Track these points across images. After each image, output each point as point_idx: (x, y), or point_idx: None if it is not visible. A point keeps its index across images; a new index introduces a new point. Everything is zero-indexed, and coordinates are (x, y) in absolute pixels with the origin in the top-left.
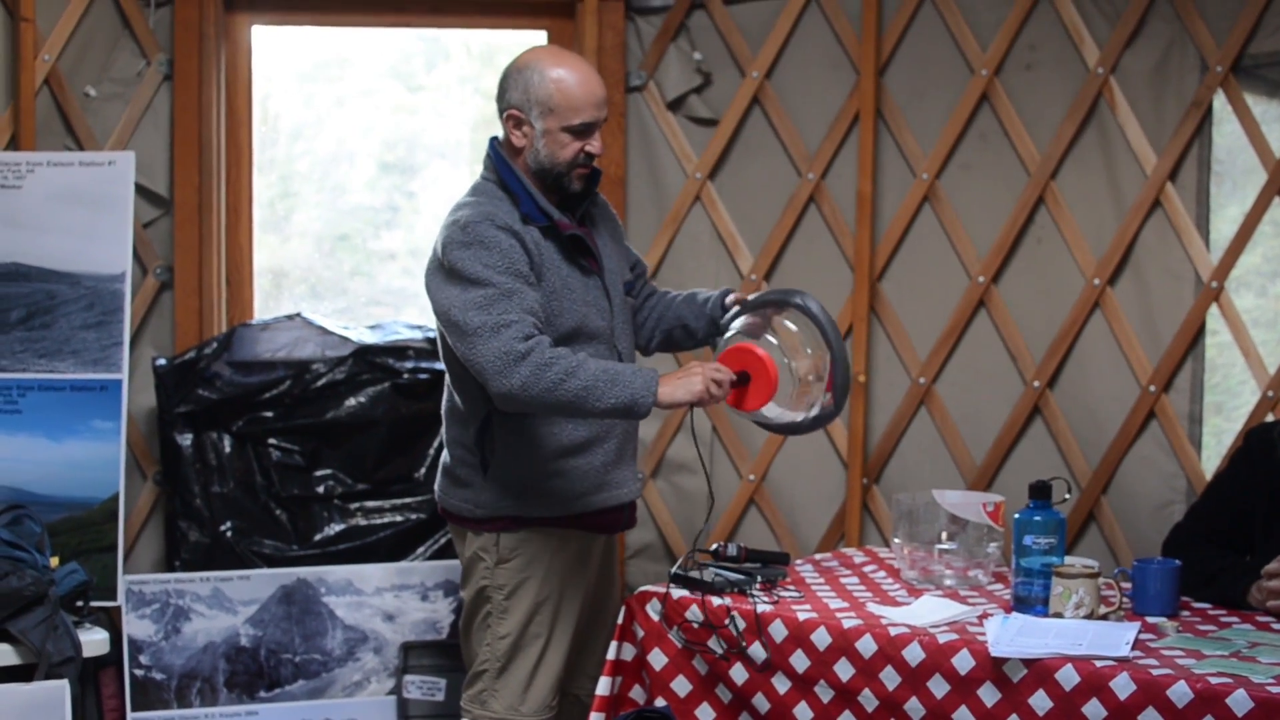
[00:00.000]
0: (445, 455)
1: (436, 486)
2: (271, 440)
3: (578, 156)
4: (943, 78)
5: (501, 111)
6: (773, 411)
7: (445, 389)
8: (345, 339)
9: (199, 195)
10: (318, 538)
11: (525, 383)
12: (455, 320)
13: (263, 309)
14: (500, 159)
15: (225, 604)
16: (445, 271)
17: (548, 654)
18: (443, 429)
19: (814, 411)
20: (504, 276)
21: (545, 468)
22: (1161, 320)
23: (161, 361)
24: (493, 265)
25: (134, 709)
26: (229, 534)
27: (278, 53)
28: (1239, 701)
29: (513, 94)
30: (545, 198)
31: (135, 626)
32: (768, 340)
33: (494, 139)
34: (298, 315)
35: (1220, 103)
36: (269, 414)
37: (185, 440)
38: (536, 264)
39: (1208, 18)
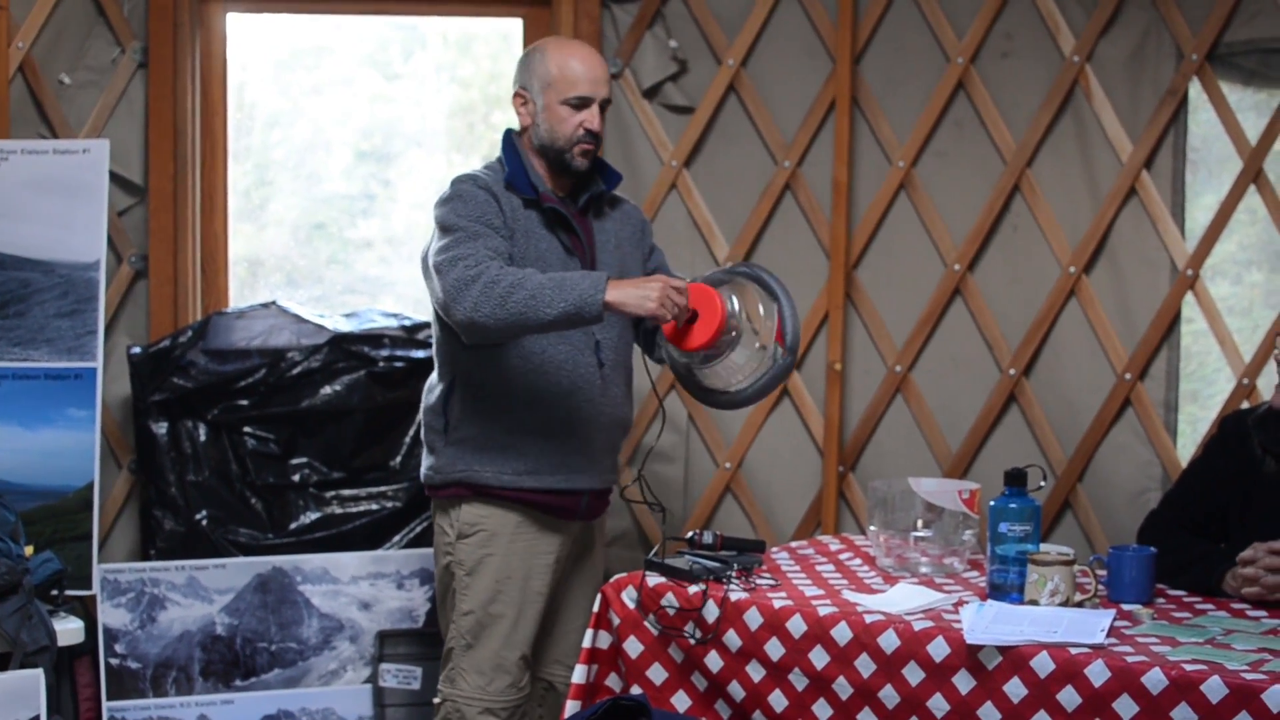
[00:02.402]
0: (422, 430)
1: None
2: (247, 428)
3: (577, 132)
4: (918, 66)
5: (513, 96)
6: (722, 367)
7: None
8: (321, 327)
9: (174, 183)
10: (293, 526)
11: (477, 303)
12: (430, 265)
13: (239, 297)
14: (508, 139)
15: (200, 593)
16: (435, 231)
17: (515, 633)
18: (421, 407)
19: (760, 373)
20: (472, 223)
21: (499, 439)
22: (1137, 308)
23: (136, 350)
24: (463, 214)
25: (109, 698)
26: (204, 522)
27: (254, 41)
28: (1213, 688)
29: (520, 75)
30: (549, 179)
31: (110, 615)
32: (724, 291)
33: (509, 129)
34: (273, 303)
35: (1196, 91)
36: (244, 402)
37: (160, 429)
38: (509, 225)
39: (1183, 6)
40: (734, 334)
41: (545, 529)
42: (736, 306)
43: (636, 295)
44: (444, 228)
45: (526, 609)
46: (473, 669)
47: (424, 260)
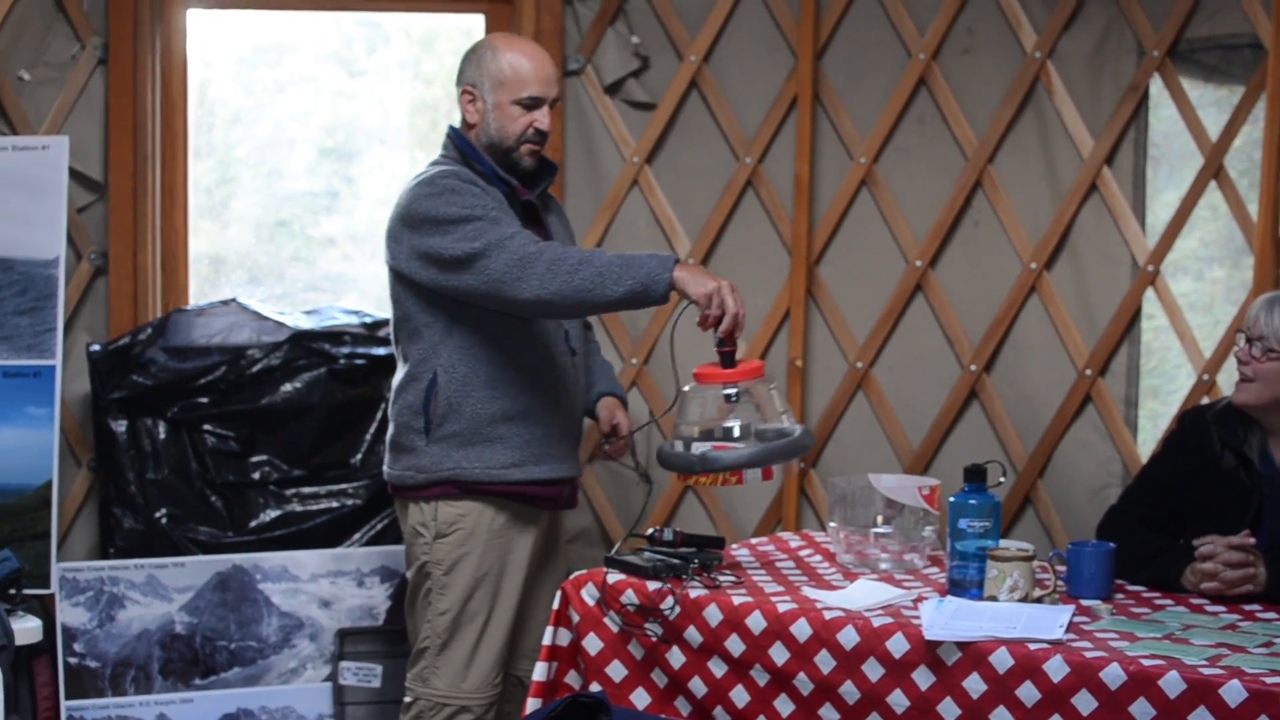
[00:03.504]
0: (390, 430)
1: (384, 464)
2: (207, 426)
3: (526, 131)
4: (880, 62)
5: (459, 92)
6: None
7: (397, 365)
8: (281, 324)
9: (134, 180)
10: (253, 524)
11: (544, 279)
12: (448, 257)
13: (202, 295)
14: (459, 135)
15: (160, 591)
16: (417, 225)
17: (489, 631)
18: (390, 407)
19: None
20: (487, 211)
21: (486, 431)
22: (1098, 304)
23: (96, 347)
24: (470, 205)
25: (68, 697)
26: (164, 521)
27: (217, 37)
28: (1171, 683)
29: (468, 72)
30: (503, 172)
31: (69, 614)
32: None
33: (451, 125)
34: (233, 301)
35: (1157, 87)
36: (204, 400)
37: (120, 426)
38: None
39: (1144, 2)
40: (766, 388)
41: (521, 525)
42: (770, 388)
43: (699, 279)
44: (453, 220)
45: (501, 606)
46: (446, 667)
47: (417, 258)
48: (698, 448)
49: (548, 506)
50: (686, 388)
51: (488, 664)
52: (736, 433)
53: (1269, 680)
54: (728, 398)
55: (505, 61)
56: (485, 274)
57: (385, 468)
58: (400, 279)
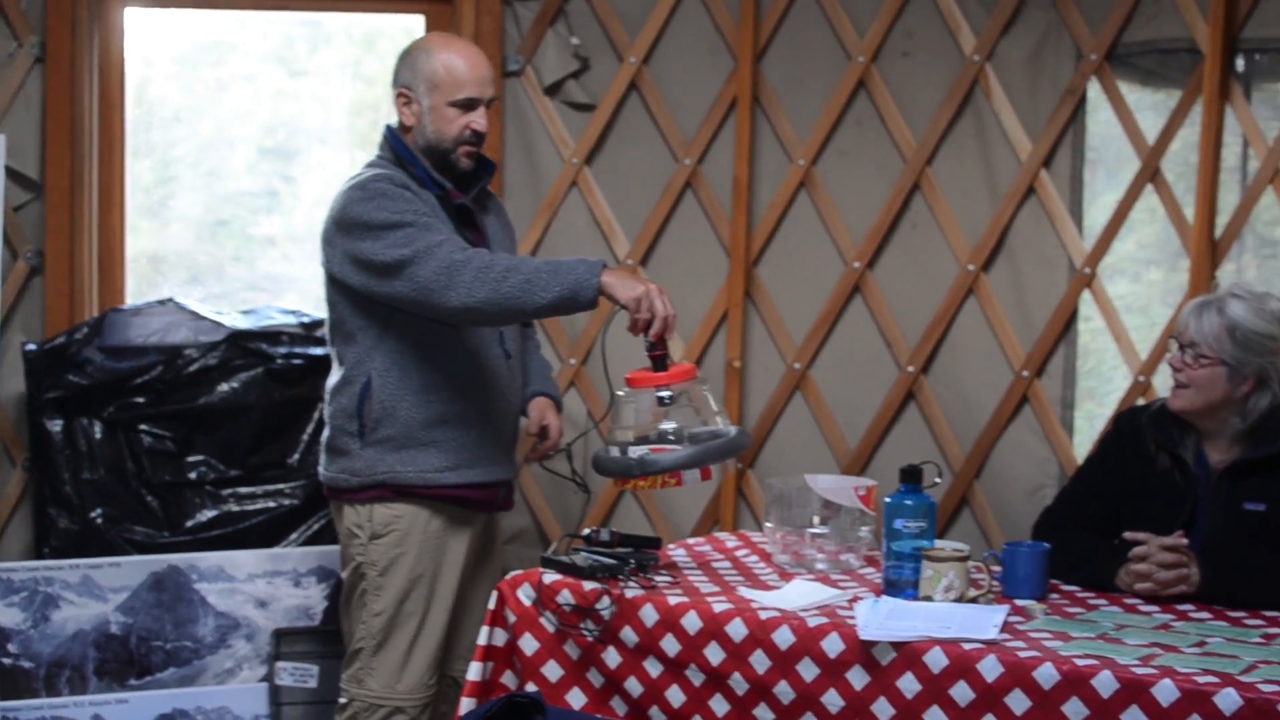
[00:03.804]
0: (325, 432)
1: (320, 466)
2: (143, 426)
3: (463, 133)
4: (820, 64)
5: (394, 94)
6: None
7: (332, 367)
8: (218, 324)
9: (71, 179)
10: (189, 524)
11: (471, 288)
12: (378, 263)
13: (142, 294)
14: (395, 136)
15: (95, 591)
16: (349, 229)
17: (424, 632)
18: (325, 408)
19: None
20: (418, 215)
21: (420, 435)
22: (1035, 306)
23: (31, 347)
24: (402, 210)
25: (2, 698)
26: (99, 521)
27: (158, 36)
28: (1104, 683)
29: (403, 74)
30: (438, 174)
31: (3, 614)
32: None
33: (389, 125)
34: (170, 300)
35: (1095, 90)
36: (140, 400)
37: (55, 426)
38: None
39: (1082, 6)
40: (700, 389)
41: (456, 526)
42: (705, 389)
43: (627, 283)
44: (384, 225)
45: (436, 607)
46: (381, 668)
47: (349, 262)
48: (634, 451)
49: (483, 509)
50: (620, 393)
51: (423, 665)
52: (673, 435)
53: (1201, 680)
54: (661, 400)
55: (440, 63)
56: (414, 281)
57: (320, 469)
58: (334, 282)
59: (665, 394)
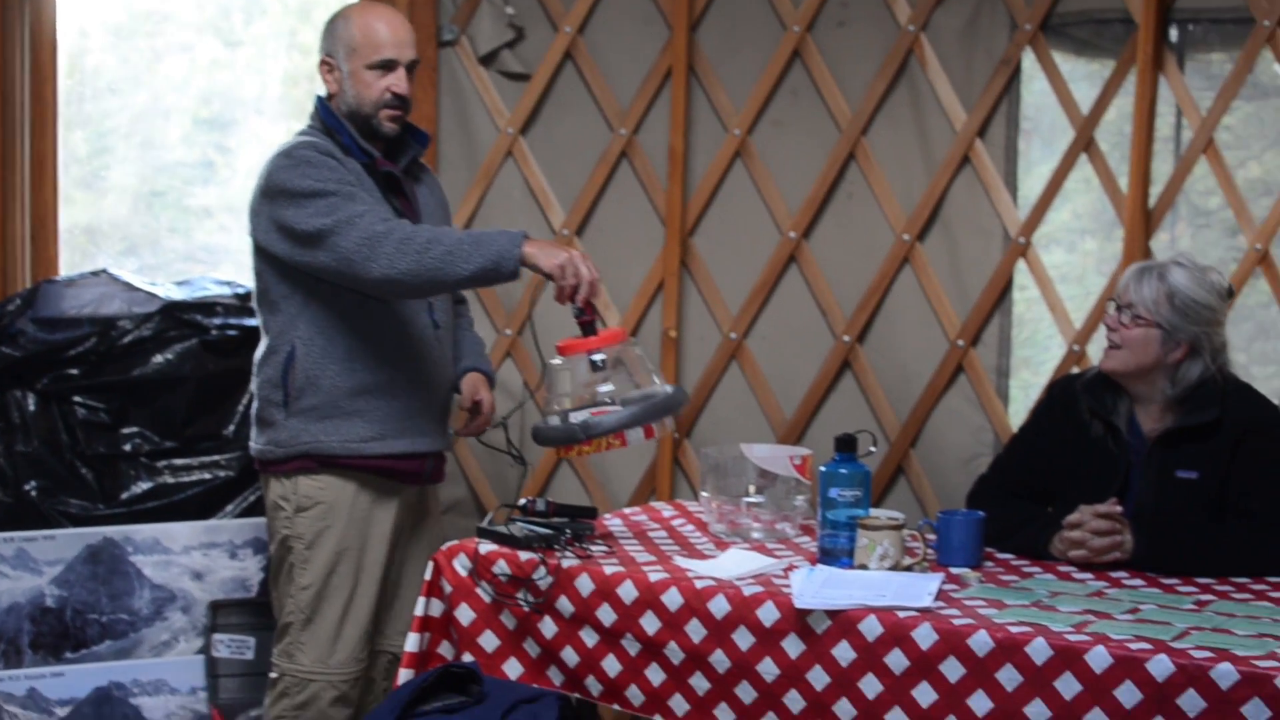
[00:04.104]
0: (254, 405)
1: (250, 439)
2: (77, 398)
3: (383, 95)
4: (755, 34)
5: (319, 63)
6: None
7: (261, 338)
8: (152, 295)
9: (2, 150)
10: (124, 496)
11: (393, 259)
12: (300, 232)
13: (77, 266)
14: (323, 105)
15: (30, 564)
16: (274, 197)
17: (353, 605)
18: (253, 380)
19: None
20: (341, 185)
21: (344, 404)
22: (970, 276)
23: None
24: (325, 179)
25: None
26: (33, 493)
27: (93, 6)
28: (1038, 649)
29: (325, 42)
30: (362, 141)
31: None
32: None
33: (318, 95)
34: (103, 271)
35: (1029, 61)
36: (74, 371)
37: None
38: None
39: None
40: (633, 351)
41: (383, 497)
42: (638, 350)
43: (548, 252)
44: (307, 193)
45: (364, 580)
46: (311, 643)
47: (274, 230)
48: (575, 417)
49: (409, 481)
50: (553, 362)
51: (353, 639)
52: (610, 398)
53: (1134, 646)
54: (594, 365)
55: (357, 27)
56: (335, 251)
57: (250, 442)
58: (260, 251)
59: (598, 357)
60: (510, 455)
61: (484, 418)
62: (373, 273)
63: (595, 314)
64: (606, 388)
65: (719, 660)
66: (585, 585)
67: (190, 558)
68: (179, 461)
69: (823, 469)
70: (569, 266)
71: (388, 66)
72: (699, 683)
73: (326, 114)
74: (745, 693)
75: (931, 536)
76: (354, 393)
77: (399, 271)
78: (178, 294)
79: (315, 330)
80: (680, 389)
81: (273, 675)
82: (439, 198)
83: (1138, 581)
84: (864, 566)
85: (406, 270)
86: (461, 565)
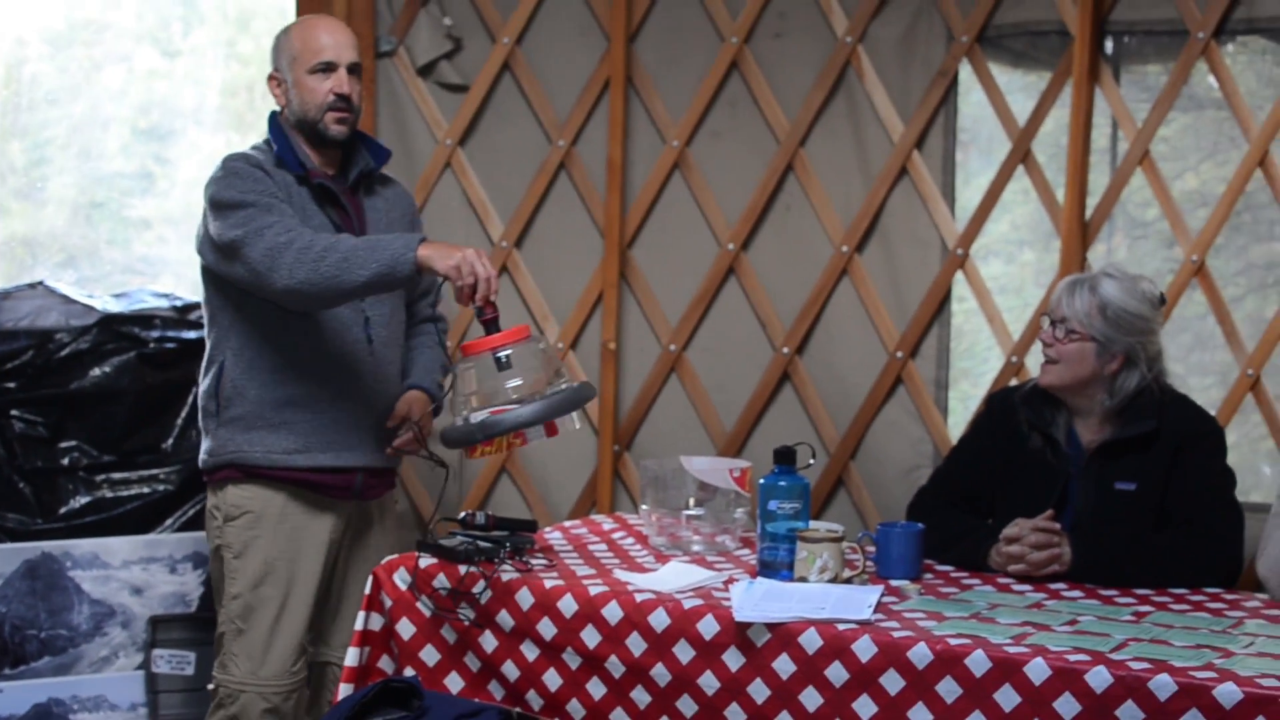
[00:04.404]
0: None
1: None
2: (14, 411)
3: (326, 98)
4: (693, 45)
5: (268, 80)
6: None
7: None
8: (90, 308)
9: None
10: (63, 510)
11: (292, 269)
12: (222, 243)
13: (15, 277)
14: (272, 118)
15: None
16: (208, 207)
17: (285, 617)
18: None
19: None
20: (260, 196)
21: (269, 415)
22: (908, 287)
23: None
24: (247, 190)
25: None
26: None
27: (31, 15)
28: (977, 661)
29: (272, 59)
30: (313, 154)
31: None
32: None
33: (272, 111)
34: (40, 284)
35: (966, 73)
36: (11, 385)
37: None
38: (286, 202)
39: None
40: (536, 347)
41: (315, 510)
42: (542, 346)
43: (444, 253)
44: (229, 204)
45: (296, 592)
46: (243, 654)
47: (206, 241)
48: (475, 416)
49: (336, 495)
50: (458, 365)
51: (285, 651)
52: (514, 395)
53: (1072, 658)
54: (499, 362)
55: (296, 37)
56: (246, 262)
57: None
58: (202, 262)
59: (502, 355)
60: (430, 459)
61: (408, 436)
62: (276, 283)
63: (496, 312)
64: (514, 383)
65: (660, 674)
66: (525, 599)
67: (130, 572)
68: (118, 475)
69: (762, 481)
70: (464, 266)
71: (328, 68)
72: (640, 696)
73: (272, 127)
74: (686, 706)
75: (871, 549)
76: (279, 404)
77: (298, 281)
78: (115, 306)
79: (244, 341)
80: (586, 384)
81: (210, 686)
82: (401, 210)
83: (1076, 593)
84: (804, 579)
85: (305, 279)
86: (401, 579)
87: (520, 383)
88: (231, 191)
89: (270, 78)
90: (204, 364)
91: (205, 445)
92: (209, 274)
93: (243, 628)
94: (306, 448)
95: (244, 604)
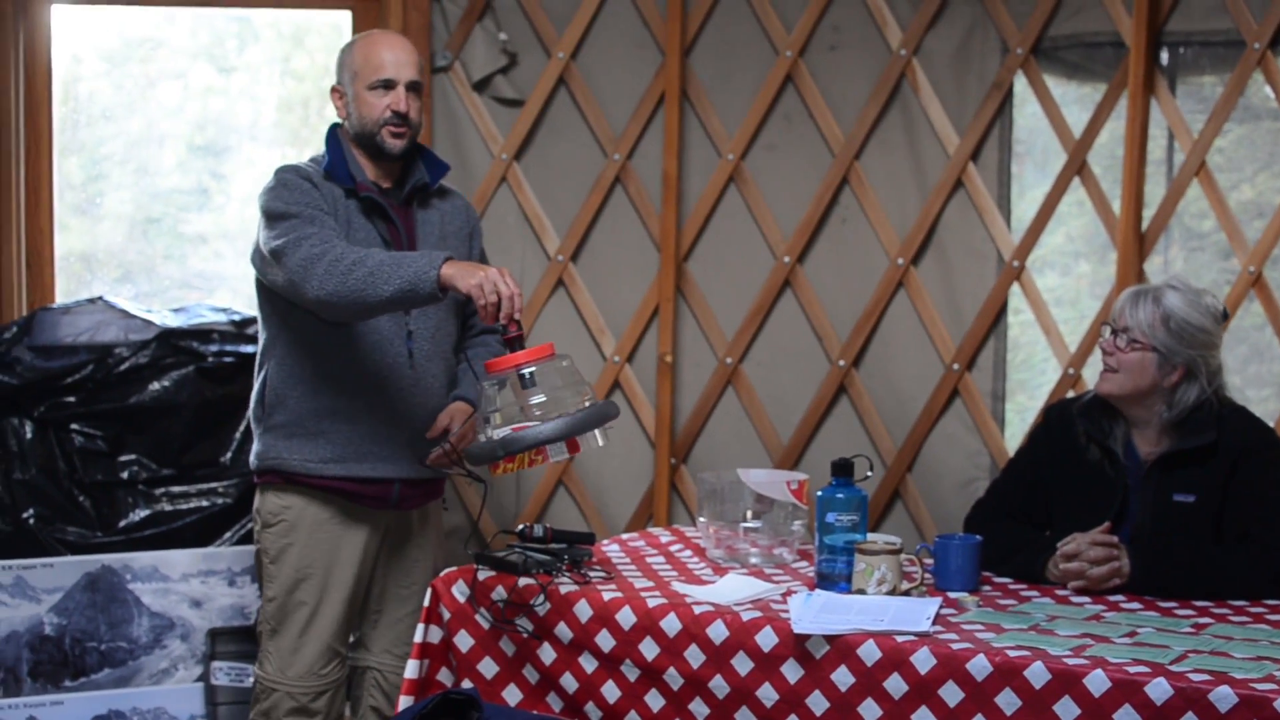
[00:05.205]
0: None
1: None
2: (74, 425)
3: (384, 114)
4: (748, 59)
5: (330, 93)
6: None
7: None
8: (149, 322)
9: None
10: (122, 524)
11: (322, 281)
12: (268, 251)
13: (73, 293)
14: (330, 131)
15: (28, 592)
16: (261, 220)
17: (316, 622)
18: None
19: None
20: (305, 208)
21: (309, 424)
22: (964, 299)
23: None
24: (293, 201)
25: None
26: (31, 521)
27: (87, 33)
28: (1037, 673)
29: (337, 73)
30: (370, 166)
31: None
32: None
33: (333, 123)
34: (99, 299)
35: (1021, 84)
36: (71, 399)
37: None
38: (333, 213)
39: (1008, 0)
40: (560, 365)
41: (352, 519)
42: (565, 362)
43: (466, 272)
44: (276, 215)
45: (329, 599)
46: (275, 652)
47: (257, 250)
48: (498, 433)
49: (373, 505)
50: (484, 383)
51: (312, 654)
52: (538, 412)
53: (1132, 670)
54: (523, 380)
55: (359, 53)
56: (286, 270)
57: None
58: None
59: (527, 372)
60: (466, 475)
61: (439, 452)
62: (309, 293)
63: (521, 330)
64: (537, 400)
65: (718, 686)
66: (584, 611)
67: (189, 585)
68: (176, 489)
69: (820, 494)
70: (487, 284)
71: (387, 85)
72: (698, 708)
73: (329, 139)
74: (745, 718)
75: (929, 561)
76: (318, 414)
77: (328, 292)
78: (174, 321)
79: (288, 350)
80: (610, 402)
81: (251, 681)
82: (460, 223)
83: (1135, 605)
84: (862, 591)
85: (333, 291)
86: (460, 592)
87: (544, 400)
88: (279, 202)
89: (333, 90)
90: (255, 369)
91: (254, 448)
92: (260, 283)
93: (276, 629)
94: (342, 457)
95: (278, 606)
